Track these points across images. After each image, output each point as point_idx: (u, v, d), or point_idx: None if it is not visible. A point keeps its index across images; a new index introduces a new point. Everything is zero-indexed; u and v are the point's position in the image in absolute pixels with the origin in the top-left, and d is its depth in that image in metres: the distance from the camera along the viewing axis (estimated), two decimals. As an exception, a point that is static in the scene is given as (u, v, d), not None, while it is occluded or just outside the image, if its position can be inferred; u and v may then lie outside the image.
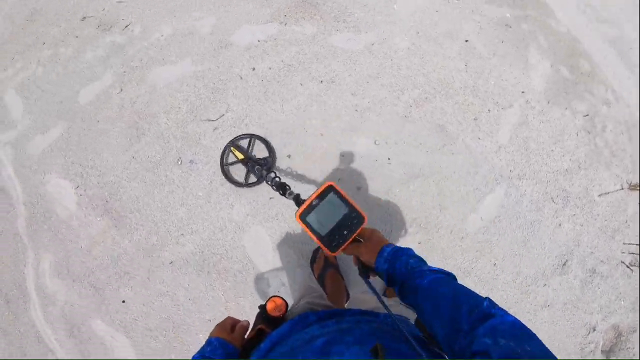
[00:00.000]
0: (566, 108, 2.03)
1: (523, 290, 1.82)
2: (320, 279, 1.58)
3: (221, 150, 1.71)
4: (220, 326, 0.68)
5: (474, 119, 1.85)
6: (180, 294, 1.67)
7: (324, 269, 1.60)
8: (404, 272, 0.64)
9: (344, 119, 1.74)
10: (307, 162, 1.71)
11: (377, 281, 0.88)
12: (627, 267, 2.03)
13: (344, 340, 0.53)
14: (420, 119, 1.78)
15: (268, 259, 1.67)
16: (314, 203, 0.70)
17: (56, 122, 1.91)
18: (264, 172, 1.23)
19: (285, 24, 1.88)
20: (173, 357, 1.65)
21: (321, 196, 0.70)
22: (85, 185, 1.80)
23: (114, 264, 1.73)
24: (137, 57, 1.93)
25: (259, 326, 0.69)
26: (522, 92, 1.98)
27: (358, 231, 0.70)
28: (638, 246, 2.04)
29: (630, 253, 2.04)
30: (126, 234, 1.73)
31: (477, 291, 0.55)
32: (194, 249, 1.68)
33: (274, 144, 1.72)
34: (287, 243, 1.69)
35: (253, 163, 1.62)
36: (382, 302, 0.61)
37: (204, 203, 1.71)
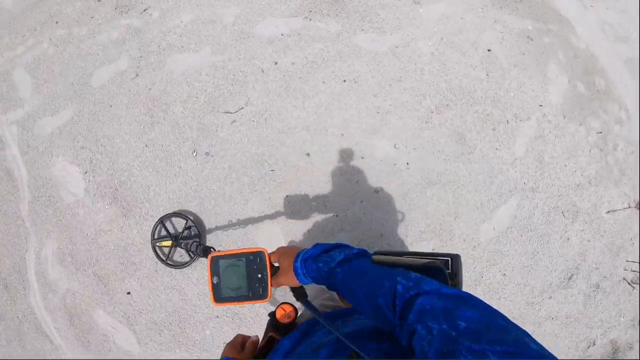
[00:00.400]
0: (581, 124, 2.05)
1: (529, 301, 1.84)
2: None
3: (153, 228, 1.65)
4: (230, 345, 0.67)
5: (493, 129, 1.86)
6: (188, 288, 1.64)
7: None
8: (320, 278, 0.62)
9: (365, 120, 1.72)
10: (325, 161, 1.69)
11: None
12: (629, 284, 2.07)
13: (346, 349, 0.51)
14: (440, 126, 1.77)
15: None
16: (215, 282, 0.68)
17: (66, 104, 1.84)
18: (189, 245, 1.25)
19: (310, 20, 1.85)
20: (178, 352, 1.62)
21: (214, 271, 0.69)
22: (94, 172, 1.75)
23: (120, 253, 1.68)
24: (155, 42, 1.87)
25: (270, 334, 0.68)
26: (540, 105, 1.99)
27: (268, 265, 0.68)
28: (639, 264, 2.08)
29: (632, 271, 2.08)
30: (135, 224, 1.69)
31: (485, 300, 0.48)
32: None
33: (292, 140, 1.70)
34: (296, 239, 1.67)
35: (181, 240, 1.59)
36: (320, 319, 0.58)
37: (218, 197, 1.67)
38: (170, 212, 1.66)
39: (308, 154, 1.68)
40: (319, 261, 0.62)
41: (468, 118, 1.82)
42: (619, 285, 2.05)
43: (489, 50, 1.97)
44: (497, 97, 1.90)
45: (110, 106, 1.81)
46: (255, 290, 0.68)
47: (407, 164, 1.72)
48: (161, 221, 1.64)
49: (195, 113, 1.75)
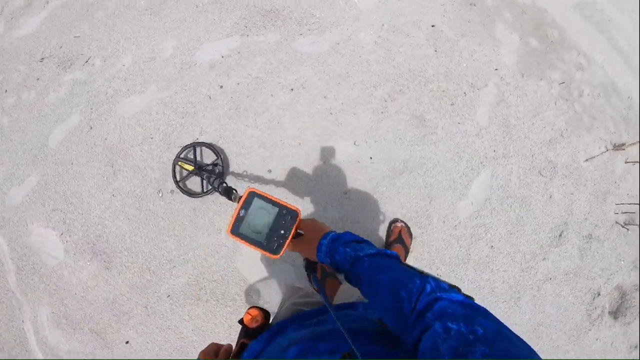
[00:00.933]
0: (541, 79, 2.01)
1: (523, 267, 1.82)
2: (388, 246, 1.58)
3: (171, 168, 1.69)
4: (203, 353, 0.68)
5: (451, 104, 1.83)
6: (182, 326, 1.65)
7: (395, 240, 1.59)
8: (343, 262, 0.63)
9: (319, 124, 1.71)
10: (289, 174, 1.68)
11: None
12: (623, 226, 2.04)
13: (317, 348, 0.52)
14: (397, 113, 1.75)
15: (263, 276, 1.65)
16: (241, 214, 0.68)
17: (30, 170, 1.86)
18: (212, 179, 1.21)
19: (247, 36, 1.84)
20: (175, 358, 1.64)
21: (246, 205, 0.68)
22: (70, 231, 1.76)
23: (111, 306, 1.70)
24: (102, 91, 1.87)
25: (242, 340, 0.68)
26: (495, 69, 1.96)
27: (295, 226, 0.68)
28: (638, 205, 2.04)
29: (623, 213, 2.05)
30: (118, 274, 1.70)
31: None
32: (188, 279, 1.65)
33: (251, 160, 1.69)
34: (281, 257, 1.66)
35: (203, 172, 1.58)
36: (325, 300, 0.60)
37: (192, 231, 1.68)
38: (207, 142, 1.70)
39: (269, 170, 1.67)
40: (348, 247, 0.63)
41: (424, 99, 1.80)
42: (613, 231, 2.02)
43: (432, 26, 1.93)
44: (449, 71, 1.87)
45: (72, 164, 1.82)
46: (271, 243, 0.69)
47: (371, 158, 1.70)
48: (194, 146, 1.69)
49: (153, 153, 1.75)
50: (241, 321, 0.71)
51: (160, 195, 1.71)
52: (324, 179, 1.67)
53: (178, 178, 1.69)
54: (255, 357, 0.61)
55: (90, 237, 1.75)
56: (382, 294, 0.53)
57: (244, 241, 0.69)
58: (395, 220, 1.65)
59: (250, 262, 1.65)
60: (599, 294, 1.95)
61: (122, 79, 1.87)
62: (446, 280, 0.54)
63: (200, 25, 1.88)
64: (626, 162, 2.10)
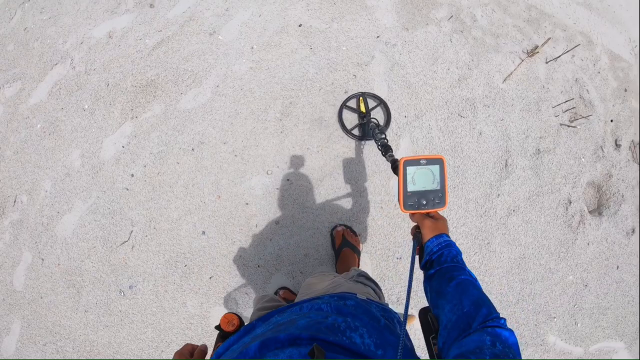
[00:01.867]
0: (427, 24, 1.96)
1: (480, 213, 1.79)
2: (337, 253, 1.63)
3: (349, 95, 1.80)
4: (179, 353, 0.69)
5: (345, 92, 1.81)
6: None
7: (341, 245, 1.62)
8: (449, 261, 0.68)
9: (229, 170, 1.73)
10: (221, 228, 1.71)
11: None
12: (569, 125, 1.97)
13: (278, 339, 0.53)
14: (295, 126, 1.75)
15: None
16: (421, 161, 0.74)
17: (11, 318, 1.97)
18: (377, 131, 1.32)
19: (136, 117, 1.87)
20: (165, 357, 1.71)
21: (429, 160, 0.75)
22: (65, 357, 1.87)
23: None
24: (38, 223, 1.96)
25: (218, 344, 0.71)
26: (377, 37, 1.92)
27: (434, 210, 0.75)
28: (575, 99, 1.96)
29: (565, 111, 1.97)
30: (119, 378, 1.79)
31: None
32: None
33: (183, 230, 1.74)
34: (250, 310, 1.71)
35: (370, 120, 1.66)
36: (410, 279, 0.66)
37: (162, 315, 1.75)
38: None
39: (203, 232, 1.71)
40: (460, 255, 0.72)
41: (316, 100, 1.79)
42: (560, 134, 1.96)
43: (300, 26, 1.91)
44: (331, 61, 1.85)
45: (41, 297, 1.92)
46: (411, 199, 0.75)
47: (288, 180, 1.71)
48: (362, 94, 1.80)
49: (102, 260, 1.83)
50: (218, 327, 0.72)
51: (122, 294, 1.79)
52: (253, 219, 1.70)
53: (344, 104, 1.78)
54: (219, 356, 0.62)
55: (83, 355, 1.85)
56: (466, 301, 0.60)
57: (402, 174, 0.74)
58: (334, 227, 1.66)
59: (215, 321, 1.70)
60: (570, 202, 1.90)
61: (50, 205, 1.95)
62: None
63: (94, 126, 1.93)
64: (547, 63, 2.02)
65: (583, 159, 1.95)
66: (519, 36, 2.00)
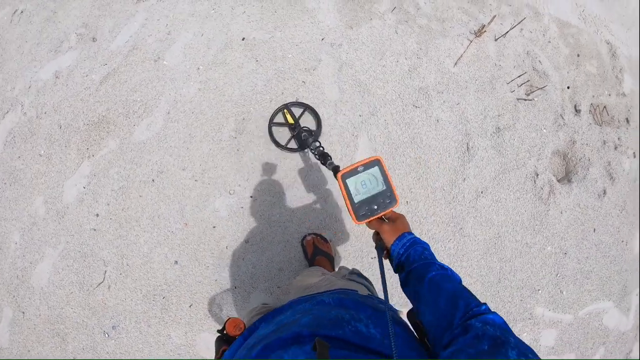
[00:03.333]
0: (371, 19, 1.95)
1: (448, 200, 1.79)
2: (310, 263, 1.61)
3: (272, 111, 1.76)
4: None
5: (296, 99, 1.80)
6: None
7: (313, 254, 1.60)
8: (417, 260, 0.67)
9: (192, 196, 1.72)
10: (192, 256, 1.70)
11: None
12: (526, 99, 1.97)
13: (281, 339, 0.53)
14: (250, 142, 1.74)
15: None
16: (358, 169, 0.72)
17: (2, 375, 1.96)
18: (310, 140, 1.29)
19: (93, 156, 1.85)
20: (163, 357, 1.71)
21: (366, 165, 0.73)
22: (60, 406, 1.86)
23: None
24: (13, 276, 1.94)
25: (223, 348, 0.70)
26: (323, 39, 1.90)
27: (387, 211, 0.73)
28: (528, 72, 1.96)
29: (520, 85, 1.97)
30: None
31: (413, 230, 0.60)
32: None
33: (156, 263, 1.73)
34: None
35: (301, 130, 1.63)
36: (384, 284, 0.64)
37: (149, 350, 1.74)
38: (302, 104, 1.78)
39: (176, 262, 1.70)
40: (426, 251, 0.69)
41: (269, 112, 1.78)
42: (518, 109, 1.96)
43: (243, 39, 1.89)
44: (279, 70, 1.83)
45: (28, 351, 1.91)
46: (361, 209, 0.73)
47: (251, 196, 1.70)
48: (285, 106, 1.77)
49: (81, 305, 1.81)
50: (221, 330, 0.72)
51: (107, 336, 1.78)
52: (222, 241, 1.69)
53: (272, 120, 1.75)
54: None
55: (79, 401, 1.84)
56: (441, 300, 0.58)
57: (343, 188, 0.73)
58: (303, 237, 1.65)
59: (210, 347, 1.69)
60: (537, 175, 1.91)
61: (21, 256, 1.92)
62: None
63: (52, 170, 1.90)
64: (496, 40, 2.02)
65: (544, 130, 1.96)
66: (465, 18, 1.99)
